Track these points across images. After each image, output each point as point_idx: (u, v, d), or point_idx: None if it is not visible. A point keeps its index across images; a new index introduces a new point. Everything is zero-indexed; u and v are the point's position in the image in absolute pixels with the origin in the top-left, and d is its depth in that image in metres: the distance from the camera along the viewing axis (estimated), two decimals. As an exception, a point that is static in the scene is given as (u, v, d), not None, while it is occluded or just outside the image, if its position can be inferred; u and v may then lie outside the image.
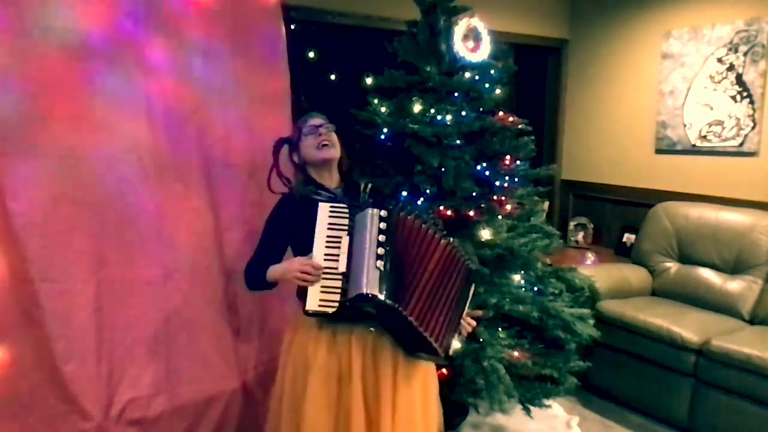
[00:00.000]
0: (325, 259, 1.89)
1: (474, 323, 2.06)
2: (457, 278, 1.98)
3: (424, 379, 2.09)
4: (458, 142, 2.72)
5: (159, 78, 2.42)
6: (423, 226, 1.97)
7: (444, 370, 2.57)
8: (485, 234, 2.62)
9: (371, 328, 1.98)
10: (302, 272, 1.88)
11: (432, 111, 2.71)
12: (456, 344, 1.98)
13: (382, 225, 1.90)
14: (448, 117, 2.69)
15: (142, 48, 2.37)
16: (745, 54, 3.70)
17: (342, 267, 1.88)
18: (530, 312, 2.63)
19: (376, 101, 2.82)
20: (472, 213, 2.65)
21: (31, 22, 2.13)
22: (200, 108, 2.52)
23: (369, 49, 3.27)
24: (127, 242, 2.37)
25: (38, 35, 2.15)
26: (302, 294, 1.93)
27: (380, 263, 1.85)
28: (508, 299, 2.64)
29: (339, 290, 1.87)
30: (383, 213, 1.92)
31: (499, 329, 2.67)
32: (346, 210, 1.95)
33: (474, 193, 2.68)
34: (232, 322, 2.64)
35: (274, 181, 2.13)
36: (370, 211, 1.92)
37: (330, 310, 1.87)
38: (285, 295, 2.69)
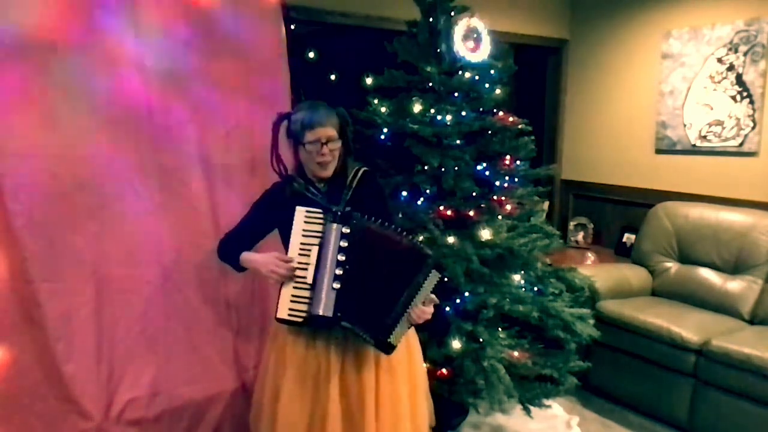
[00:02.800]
0: (297, 267, 1.92)
1: (429, 311, 1.95)
2: (410, 272, 1.90)
3: (412, 374, 2.09)
4: (458, 142, 2.73)
5: (159, 78, 2.42)
6: (383, 232, 1.93)
7: (444, 370, 2.57)
8: (485, 234, 2.62)
9: (335, 338, 1.97)
10: (275, 271, 1.90)
11: (432, 111, 2.71)
12: (400, 337, 1.93)
13: (343, 243, 1.89)
14: (448, 117, 2.69)
15: (143, 48, 2.37)
16: (745, 54, 3.69)
17: (310, 278, 1.90)
18: (530, 312, 2.63)
19: (376, 101, 2.82)
20: (472, 213, 2.65)
21: (35, 24, 2.14)
22: (200, 108, 2.52)
23: (369, 49, 3.27)
24: (127, 242, 2.37)
25: (39, 34, 2.15)
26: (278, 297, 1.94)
27: (336, 284, 1.88)
28: (508, 299, 2.64)
29: (307, 300, 1.90)
30: (345, 230, 1.90)
31: (499, 329, 2.67)
32: (321, 217, 1.93)
33: (474, 193, 2.68)
34: (232, 322, 2.64)
35: (275, 162, 2.04)
36: (333, 226, 1.90)
37: (298, 320, 1.91)
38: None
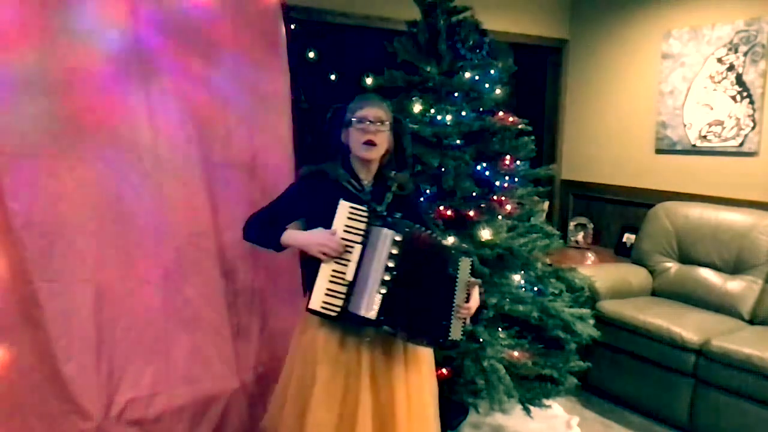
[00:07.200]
0: (335, 261, 1.90)
1: (475, 298, 2.03)
2: (443, 269, 1.94)
3: (430, 371, 2.12)
4: (458, 142, 2.73)
5: (159, 78, 2.41)
6: (432, 241, 1.96)
7: (444, 370, 2.57)
8: (485, 234, 2.62)
9: (367, 338, 1.97)
10: (325, 251, 1.89)
11: (432, 111, 2.71)
12: (459, 330, 1.97)
13: (394, 250, 1.89)
14: (448, 117, 2.69)
15: (142, 48, 2.37)
16: (745, 54, 3.69)
17: (350, 276, 1.89)
18: (530, 312, 2.63)
19: (376, 101, 2.82)
20: (472, 213, 2.65)
21: (35, 24, 2.14)
22: (200, 108, 2.52)
23: (369, 49, 3.27)
24: (127, 242, 2.36)
25: (39, 36, 2.15)
26: (311, 288, 1.93)
27: (383, 289, 1.87)
28: (508, 299, 2.64)
29: (343, 296, 1.89)
30: (398, 237, 1.90)
31: (499, 329, 2.67)
32: (366, 216, 1.92)
33: (474, 193, 2.68)
34: (232, 322, 2.64)
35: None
36: (384, 231, 1.89)
37: (331, 314, 1.90)
38: (285, 296, 2.70)
